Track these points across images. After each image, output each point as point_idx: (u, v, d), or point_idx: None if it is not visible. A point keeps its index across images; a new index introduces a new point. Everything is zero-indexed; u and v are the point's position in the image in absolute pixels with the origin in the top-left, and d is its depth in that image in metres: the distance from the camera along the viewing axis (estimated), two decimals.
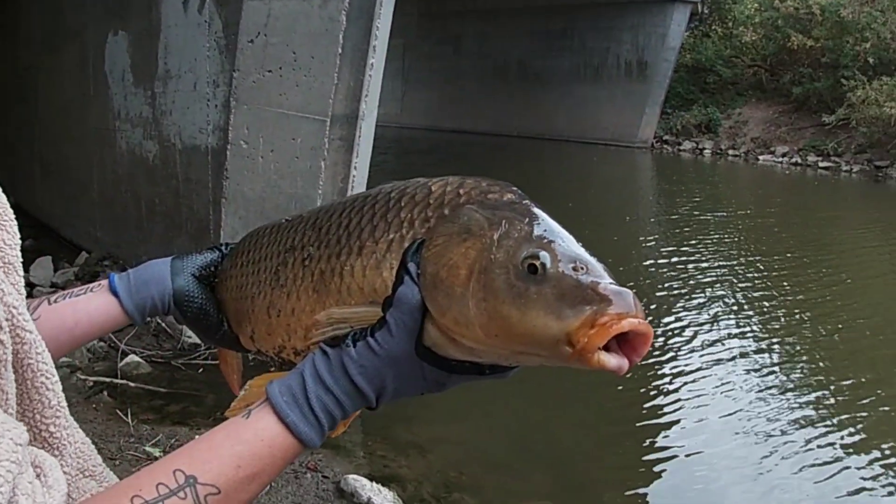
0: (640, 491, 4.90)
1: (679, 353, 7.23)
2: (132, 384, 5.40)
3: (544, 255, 0.96)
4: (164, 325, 6.09)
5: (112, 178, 7.62)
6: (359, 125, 5.68)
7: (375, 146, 6.23)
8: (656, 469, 5.14)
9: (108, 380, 5.40)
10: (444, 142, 25.57)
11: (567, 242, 1.00)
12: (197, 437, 1.03)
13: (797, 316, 8.79)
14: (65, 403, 1.05)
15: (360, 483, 4.20)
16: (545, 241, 0.99)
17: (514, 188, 1.11)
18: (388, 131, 23.97)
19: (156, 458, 4.21)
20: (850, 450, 5.57)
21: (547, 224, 1.03)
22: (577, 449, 5.37)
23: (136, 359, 5.71)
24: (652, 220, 15.19)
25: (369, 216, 1.14)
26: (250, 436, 0.99)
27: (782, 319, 8.67)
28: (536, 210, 1.05)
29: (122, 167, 7.37)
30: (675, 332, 7.82)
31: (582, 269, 0.96)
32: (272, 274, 1.25)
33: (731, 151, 25.58)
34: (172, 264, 1.37)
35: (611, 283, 0.95)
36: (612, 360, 0.92)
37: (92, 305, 1.32)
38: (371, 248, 1.11)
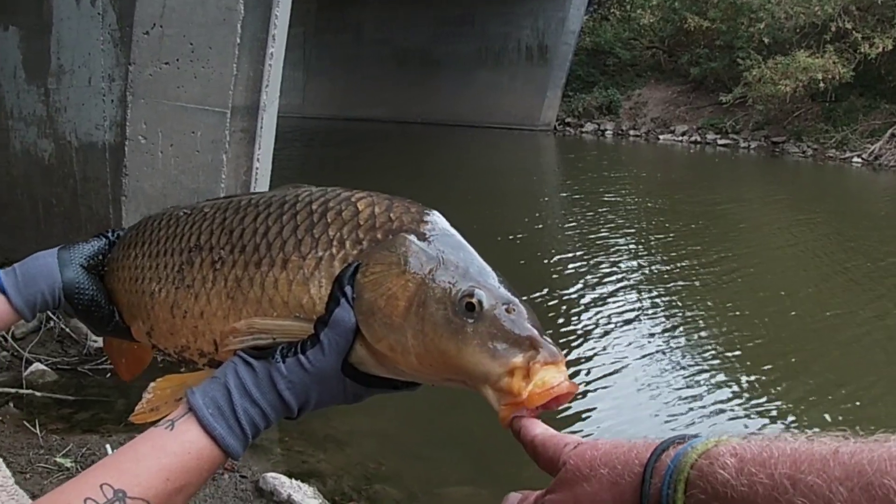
0: None
1: (588, 329, 7.33)
2: (38, 393, 5.20)
3: (480, 294, 1.01)
4: (68, 329, 5.90)
5: (6, 181, 7.35)
6: (260, 116, 5.58)
7: (278, 138, 6.14)
8: None
9: (12, 390, 5.19)
10: (347, 131, 25.39)
11: (497, 282, 1.05)
12: (114, 450, 0.97)
13: (699, 286, 9.01)
14: None
15: (278, 481, 4.13)
16: (480, 279, 1.04)
17: (439, 216, 1.14)
18: (291, 122, 23.73)
19: (67, 469, 4.08)
20: (757, 408, 5.80)
21: (477, 262, 1.07)
22: (493, 431, 5.35)
23: (42, 367, 5.51)
24: (557, 200, 15.34)
25: (291, 228, 1.13)
26: (177, 448, 0.98)
27: (685, 290, 8.88)
28: (466, 245, 1.10)
29: (17, 168, 7.11)
30: (583, 306, 7.93)
31: (513, 310, 1.02)
32: (176, 272, 1.22)
33: (632, 132, 26.06)
34: (59, 255, 1.32)
35: (538, 331, 1.01)
36: (543, 399, 0.99)
37: None
38: (297, 263, 1.10)
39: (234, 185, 5.53)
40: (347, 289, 1.05)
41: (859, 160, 21.32)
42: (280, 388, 1.02)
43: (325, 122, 28.98)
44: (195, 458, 0.98)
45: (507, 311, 1.01)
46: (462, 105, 27.74)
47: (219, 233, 1.19)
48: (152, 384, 1.11)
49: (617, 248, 10.50)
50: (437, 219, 1.13)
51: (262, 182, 5.69)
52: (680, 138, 24.92)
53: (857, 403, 6.30)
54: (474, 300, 1.01)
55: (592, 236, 10.95)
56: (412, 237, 1.08)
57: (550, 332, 1.04)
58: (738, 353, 7.11)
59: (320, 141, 23.94)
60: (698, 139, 24.61)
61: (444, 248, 1.07)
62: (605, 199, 14.40)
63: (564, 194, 15.95)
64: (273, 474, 4.20)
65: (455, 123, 27.17)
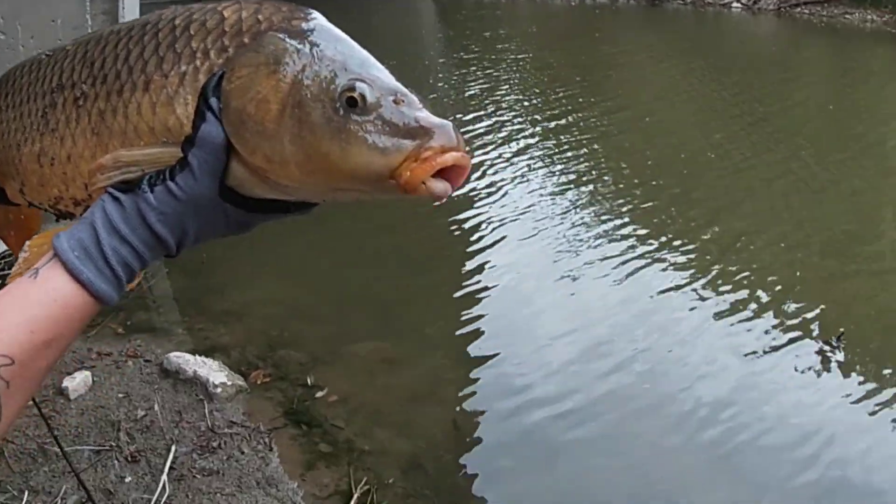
0: (464, 318, 5.06)
1: (483, 182, 7.42)
2: None
3: (363, 87, 0.92)
4: None
5: None
6: None
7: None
8: (477, 297, 5.32)
9: None
10: None
11: (382, 73, 0.96)
12: None
13: (586, 134, 9.16)
14: None
15: (182, 359, 4.15)
16: (362, 71, 0.94)
17: (316, 12, 1.03)
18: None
19: None
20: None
21: (359, 53, 0.98)
22: (393, 287, 5.45)
23: None
24: (441, 60, 15.19)
25: (153, 47, 1.03)
26: (42, 297, 0.90)
27: (572, 138, 9.02)
28: (346, 38, 1.00)
29: None
30: (488, 163, 8.00)
31: (402, 101, 0.93)
32: (39, 118, 1.12)
33: None
34: None
35: (432, 116, 0.93)
36: (438, 186, 0.90)
37: None
38: (160, 83, 1.00)
39: None
40: (213, 100, 0.95)
41: (738, 5, 21.56)
42: (150, 220, 0.93)
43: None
44: (62, 307, 0.90)
45: (395, 101, 0.93)
46: None
47: (80, 67, 1.09)
48: (27, 242, 1.00)
49: (511, 107, 10.51)
50: (312, 14, 1.02)
51: None
52: None
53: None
54: (356, 94, 0.92)
55: (486, 97, 10.90)
56: (282, 34, 0.97)
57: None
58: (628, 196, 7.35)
59: None
60: None
61: (320, 42, 0.97)
62: (490, 57, 14.32)
63: (454, 56, 15.80)
64: (176, 353, 4.21)
65: None
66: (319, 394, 4.13)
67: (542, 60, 14.19)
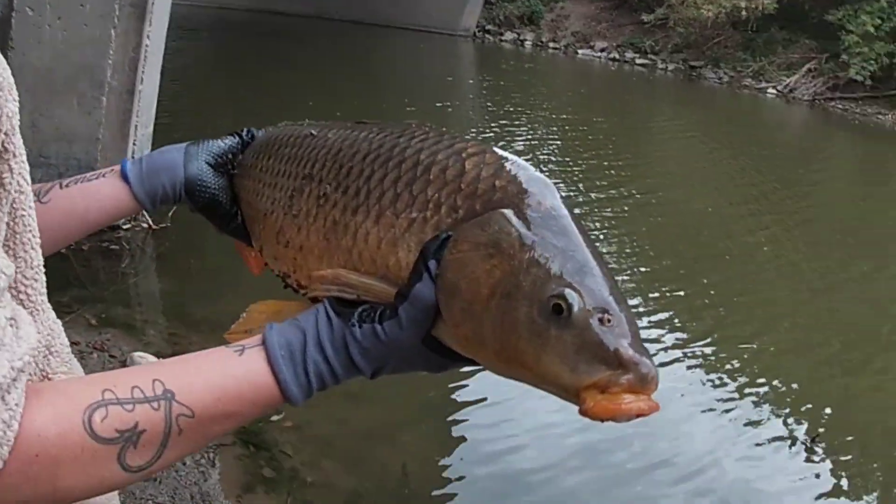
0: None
1: None
2: None
3: (572, 297, 0.91)
4: None
5: None
6: None
7: (190, 28, 5.97)
8: None
9: None
10: (264, 24, 24.77)
11: (598, 283, 0.94)
12: (184, 354, 0.99)
13: (620, 198, 9.17)
14: (43, 272, 0.99)
15: (145, 360, 4.11)
16: (576, 278, 0.93)
17: (551, 187, 1.03)
18: (209, 12, 23.09)
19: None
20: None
21: (581, 254, 0.96)
22: None
23: None
24: (474, 107, 15.28)
25: (393, 178, 1.06)
26: (239, 373, 0.97)
27: (608, 200, 9.03)
28: (573, 230, 0.98)
29: None
30: None
31: (609, 321, 0.91)
32: (287, 198, 1.18)
33: (551, 44, 25.98)
34: (187, 150, 1.31)
35: (632, 348, 0.90)
36: (621, 417, 0.89)
37: (103, 192, 1.27)
38: (390, 221, 1.04)
39: (123, 61, 5.37)
40: (432, 263, 0.98)
41: (774, 91, 21.75)
42: (352, 351, 0.99)
43: (243, 13, 28.18)
44: (252, 390, 0.97)
45: (601, 321, 0.91)
46: (382, 4, 27.19)
47: (330, 165, 1.14)
48: (251, 305, 1.10)
49: (531, 158, 10.55)
50: (546, 193, 1.01)
51: (152, 60, 5.55)
52: (599, 54, 24.96)
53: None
54: (564, 302, 0.91)
55: (508, 146, 10.97)
56: (510, 214, 0.97)
57: None
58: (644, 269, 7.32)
59: (235, 32, 23.32)
60: (617, 57, 24.69)
61: (545, 233, 0.96)
62: (521, 110, 14.40)
63: (483, 103, 15.89)
64: (140, 353, 4.19)
65: (374, 23, 26.69)
66: (275, 417, 4.08)
67: (570, 118, 14.23)
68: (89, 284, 4.91)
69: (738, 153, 13.58)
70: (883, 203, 11.89)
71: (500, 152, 1.06)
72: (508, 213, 0.98)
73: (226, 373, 0.97)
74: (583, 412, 0.89)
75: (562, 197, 1.02)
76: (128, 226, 5.48)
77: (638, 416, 0.89)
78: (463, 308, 0.95)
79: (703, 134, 15.19)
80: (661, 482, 4.31)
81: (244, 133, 1.36)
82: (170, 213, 5.59)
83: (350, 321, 1.00)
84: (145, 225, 5.56)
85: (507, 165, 1.03)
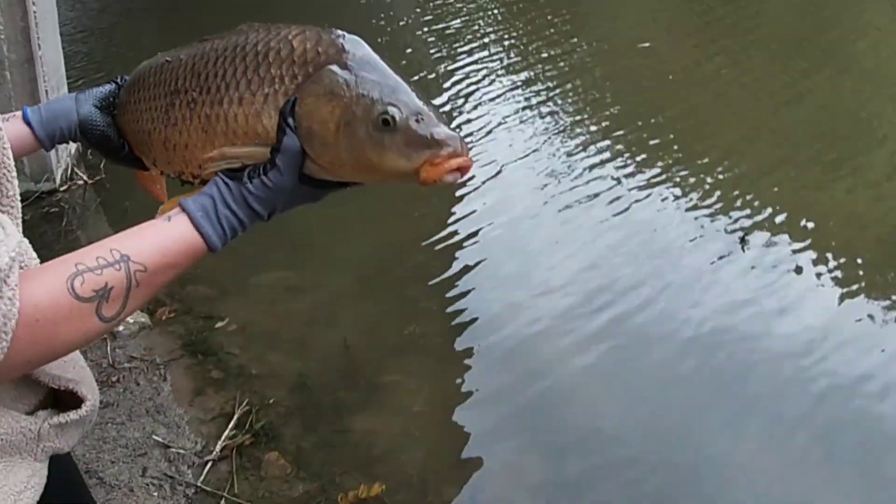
0: (379, 242, 5.28)
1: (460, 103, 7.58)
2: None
3: (393, 110, 1.26)
4: None
5: None
6: None
7: None
8: (407, 223, 5.52)
9: None
10: None
11: (410, 97, 1.29)
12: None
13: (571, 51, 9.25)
14: (19, 200, 1.26)
15: None
16: (393, 97, 1.28)
17: (360, 43, 1.36)
18: None
19: None
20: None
21: (392, 80, 1.31)
22: (308, 218, 5.38)
23: None
24: None
25: (242, 69, 1.37)
26: (174, 234, 1.25)
27: (559, 56, 9.10)
28: (382, 66, 1.33)
29: None
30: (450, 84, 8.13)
31: (422, 119, 1.26)
32: (163, 113, 1.47)
33: None
34: (77, 98, 1.58)
35: (443, 130, 1.26)
36: (448, 178, 1.26)
37: (10, 133, 1.48)
38: (250, 100, 1.35)
39: (14, 33, 5.45)
40: (290, 120, 1.30)
41: None
42: (250, 201, 1.29)
43: None
44: (185, 244, 1.25)
45: (417, 120, 1.26)
46: None
47: (191, 77, 1.43)
48: (161, 206, 1.36)
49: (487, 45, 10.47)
50: (357, 46, 1.35)
51: (45, 25, 5.61)
52: None
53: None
54: (388, 116, 1.25)
55: (441, 27, 10.88)
56: (335, 68, 1.31)
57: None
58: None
59: None
60: None
61: (362, 73, 1.30)
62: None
63: None
64: None
65: None
66: (219, 324, 4.35)
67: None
68: (38, 248, 5.12)
69: None
70: (835, 8, 11.83)
71: (317, 28, 1.38)
72: (333, 67, 1.32)
73: (163, 234, 1.24)
74: (422, 182, 1.25)
75: (369, 45, 1.36)
76: (64, 187, 5.67)
77: (460, 170, 1.26)
78: (321, 143, 1.28)
79: None
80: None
81: (118, 79, 1.63)
82: (101, 165, 5.78)
83: (243, 181, 1.30)
84: (81, 182, 5.75)
85: (324, 36, 1.36)
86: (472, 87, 8.15)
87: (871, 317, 4.76)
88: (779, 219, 5.66)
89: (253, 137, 1.35)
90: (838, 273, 5.13)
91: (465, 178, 1.31)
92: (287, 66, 1.35)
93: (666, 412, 4.08)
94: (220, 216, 1.28)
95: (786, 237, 5.44)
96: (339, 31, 1.38)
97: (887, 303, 4.91)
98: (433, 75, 8.57)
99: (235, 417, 3.74)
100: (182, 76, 1.45)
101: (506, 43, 9.97)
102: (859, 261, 5.29)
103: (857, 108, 7.89)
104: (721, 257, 5.19)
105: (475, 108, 7.56)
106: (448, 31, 10.44)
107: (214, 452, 3.60)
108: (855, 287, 5.01)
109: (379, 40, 9.88)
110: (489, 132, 6.97)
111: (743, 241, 5.30)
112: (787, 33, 10.38)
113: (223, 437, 3.66)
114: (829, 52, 9.43)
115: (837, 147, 6.92)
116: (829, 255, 5.28)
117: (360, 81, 1.30)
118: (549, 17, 10.84)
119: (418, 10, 11.68)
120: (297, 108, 1.31)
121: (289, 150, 1.29)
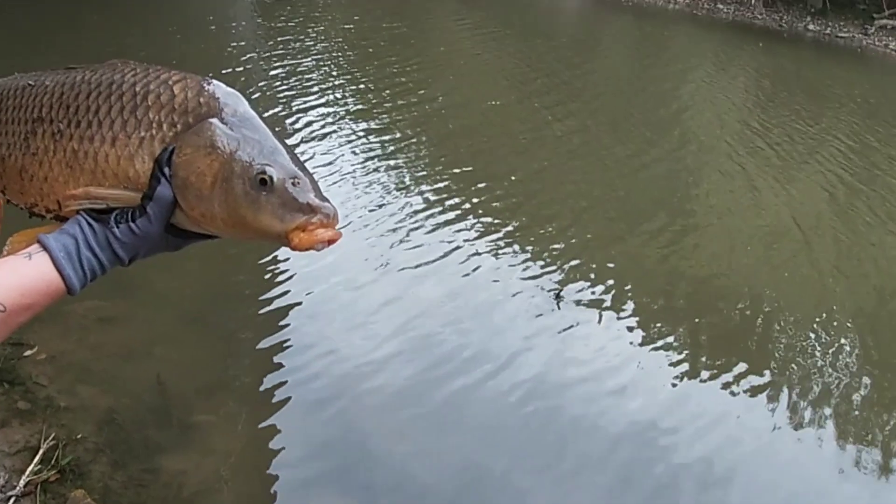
0: (198, 278, 5.21)
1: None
2: None
3: (270, 171, 1.28)
4: None
5: None
6: None
7: None
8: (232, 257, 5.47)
9: None
10: None
11: (287, 160, 1.31)
12: None
13: (421, 102, 9.52)
14: None
15: None
16: (271, 158, 1.30)
17: (241, 99, 1.37)
18: None
19: None
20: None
21: (271, 141, 1.33)
22: None
23: None
24: (247, 30, 14.99)
25: (118, 108, 1.34)
26: (33, 273, 1.23)
27: (407, 107, 9.35)
28: (262, 126, 1.34)
29: None
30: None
31: (298, 183, 1.29)
32: (22, 140, 1.40)
33: None
34: None
35: (318, 199, 1.29)
36: (318, 248, 1.28)
37: None
38: (124, 142, 1.32)
39: None
40: (166, 169, 1.29)
41: None
42: (115, 247, 1.28)
43: None
44: (45, 285, 1.23)
45: (293, 184, 1.28)
46: None
47: (58, 107, 1.37)
48: (11, 238, 1.30)
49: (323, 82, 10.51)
50: (239, 103, 1.36)
51: None
52: None
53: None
54: (266, 176, 1.27)
55: (299, 74, 10.83)
56: (217, 122, 1.32)
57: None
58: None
59: None
60: None
61: (243, 131, 1.32)
62: (301, 23, 14.20)
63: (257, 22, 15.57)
64: None
65: None
66: (28, 352, 4.21)
67: (349, 33, 14.18)
68: None
69: (521, 45, 14.00)
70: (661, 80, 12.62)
71: (198, 77, 1.39)
72: (214, 121, 1.32)
73: (22, 274, 1.22)
74: (293, 248, 1.28)
75: (249, 103, 1.38)
76: None
77: (329, 242, 1.29)
78: (195, 195, 1.28)
79: (490, 28, 15.50)
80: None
81: None
82: None
83: (109, 224, 1.29)
84: None
85: (206, 86, 1.37)
86: (324, 130, 8.34)
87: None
88: (592, 275, 6.10)
89: (122, 180, 1.32)
90: (643, 328, 5.59)
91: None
92: (166, 113, 1.34)
93: (482, 460, 4.25)
94: (83, 258, 1.27)
95: (598, 294, 5.83)
96: (220, 84, 1.39)
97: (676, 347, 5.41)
98: (284, 113, 8.65)
99: (41, 452, 3.63)
100: (48, 104, 1.39)
101: (361, 86, 10.15)
102: (666, 317, 5.78)
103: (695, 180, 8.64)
104: (538, 315, 5.49)
105: (325, 153, 7.77)
106: (300, 69, 10.52)
107: (18, 488, 3.48)
108: (660, 341, 5.49)
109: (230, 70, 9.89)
110: (337, 182, 7.15)
111: (558, 297, 5.62)
112: (627, 105, 11.11)
113: (27, 472, 3.54)
114: (669, 124, 10.16)
115: (675, 218, 7.57)
116: (641, 314, 5.75)
117: (241, 139, 1.32)
118: (399, 66, 11.10)
119: (270, 43, 11.71)
120: (174, 157, 1.30)
121: (161, 199, 1.29)
